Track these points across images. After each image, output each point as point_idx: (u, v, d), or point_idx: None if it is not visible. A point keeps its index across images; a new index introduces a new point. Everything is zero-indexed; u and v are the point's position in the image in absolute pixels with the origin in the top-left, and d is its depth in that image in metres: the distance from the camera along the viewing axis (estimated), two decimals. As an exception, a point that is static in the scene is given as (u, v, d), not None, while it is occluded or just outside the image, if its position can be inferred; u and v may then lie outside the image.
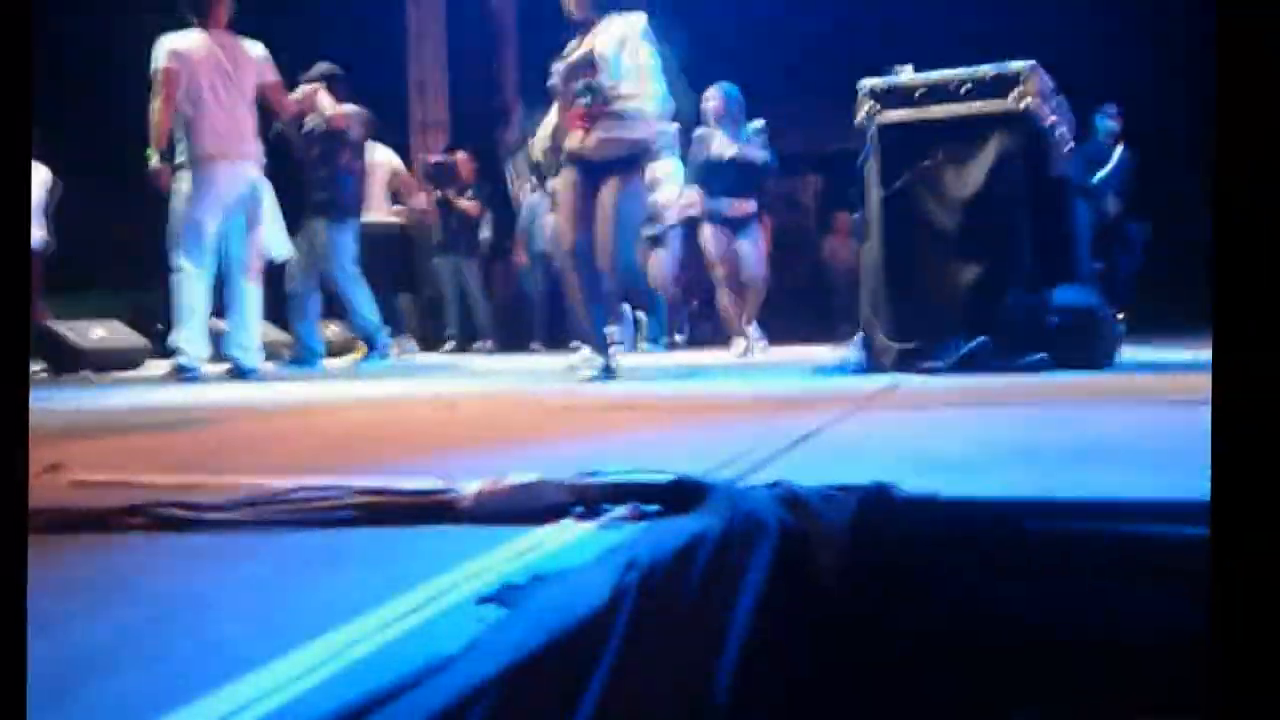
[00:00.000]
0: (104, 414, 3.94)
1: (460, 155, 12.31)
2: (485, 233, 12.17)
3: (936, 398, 3.50)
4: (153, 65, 6.33)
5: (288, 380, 6.31)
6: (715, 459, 1.88)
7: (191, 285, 6.38)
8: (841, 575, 1.42)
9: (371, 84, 8.85)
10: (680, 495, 1.47)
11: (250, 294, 6.70)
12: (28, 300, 1.14)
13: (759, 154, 8.39)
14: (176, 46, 6.37)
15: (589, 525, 1.39)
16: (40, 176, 8.78)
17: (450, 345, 11.96)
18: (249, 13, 6.93)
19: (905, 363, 4.84)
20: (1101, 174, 10.10)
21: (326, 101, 8.11)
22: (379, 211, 9.96)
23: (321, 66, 8.24)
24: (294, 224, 8.02)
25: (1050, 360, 4.69)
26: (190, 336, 6.37)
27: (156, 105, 6.31)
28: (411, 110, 15.09)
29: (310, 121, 8.10)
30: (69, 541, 1.41)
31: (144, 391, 5.48)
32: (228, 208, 6.50)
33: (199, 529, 1.45)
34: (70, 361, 7.83)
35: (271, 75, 6.78)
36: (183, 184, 6.40)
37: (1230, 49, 1.14)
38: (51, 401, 4.59)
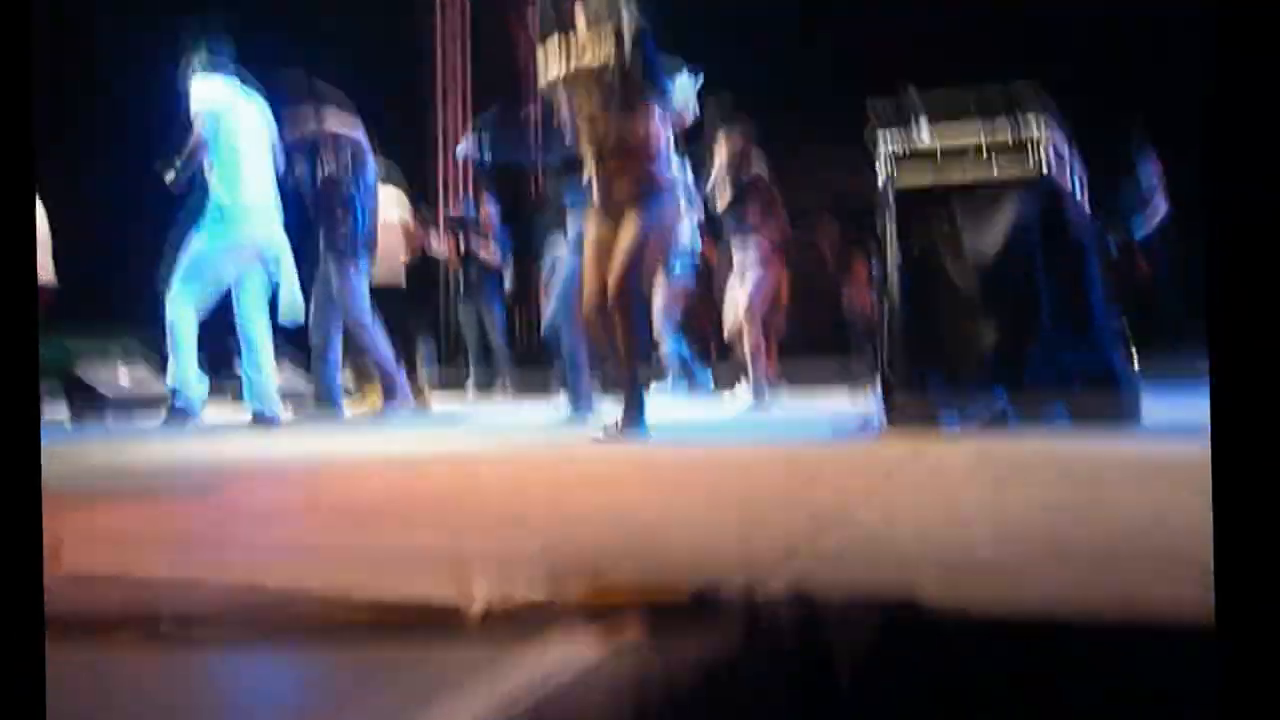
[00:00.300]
0: (114, 472, 3.85)
1: (484, 205, 12.31)
2: (508, 283, 12.16)
3: (962, 468, 3.40)
4: (193, 107, 6.35)
5: (307, 431, 6.25)
6: (733, 555, 1.80)
7: (188, 326, 6.38)
8: (866, 698, 1.33)
9: (396, 134, 8.80)
10: (696, 611, 1.38)
11: (266, 341, 6.71)
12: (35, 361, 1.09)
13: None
14: (214, 94, 6.40)
15: (599, 648, 1.30)
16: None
17: (470, 391, 11.91)
18: (274, 62, 6.93)
19: (925, 421, 4.75)
20: (1142, 225, 10.03)
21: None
22: (390, 261, 9.83)
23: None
24: (309, 269, 8.01)
25: (1072, 417, 4.60)
26: (187, 376, 6.38)
27: (197, 143, 6.33)
28: (436, 161, 15.13)
29: (326, 163, 8.04)
30: (59, 652, 1.33)
31: (160, 443, 5.39)
32: (247, 256, 6.52)
33: (193, 641, 1.37)
34: (94, 407, 7.77)
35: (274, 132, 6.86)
36: (212, 227, 6.39)
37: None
38: (63, 457, 4.51)
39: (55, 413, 8.03)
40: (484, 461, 4.28)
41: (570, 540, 2.09)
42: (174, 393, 6.36)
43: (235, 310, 6.63)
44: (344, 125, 7.88)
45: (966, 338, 4.75)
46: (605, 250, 5.09)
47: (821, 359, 12.38)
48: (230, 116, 6.41)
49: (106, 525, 2.51)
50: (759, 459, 4.07)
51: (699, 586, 1.47)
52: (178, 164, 6.32)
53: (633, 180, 5.08)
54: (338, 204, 7.94)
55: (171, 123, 6.42)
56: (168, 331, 6.39)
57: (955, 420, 4.68)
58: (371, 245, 8.24)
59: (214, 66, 6.49)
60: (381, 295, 9.12)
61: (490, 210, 12.13)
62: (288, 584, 1.62)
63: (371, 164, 8.25)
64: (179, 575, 1.77)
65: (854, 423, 5.15)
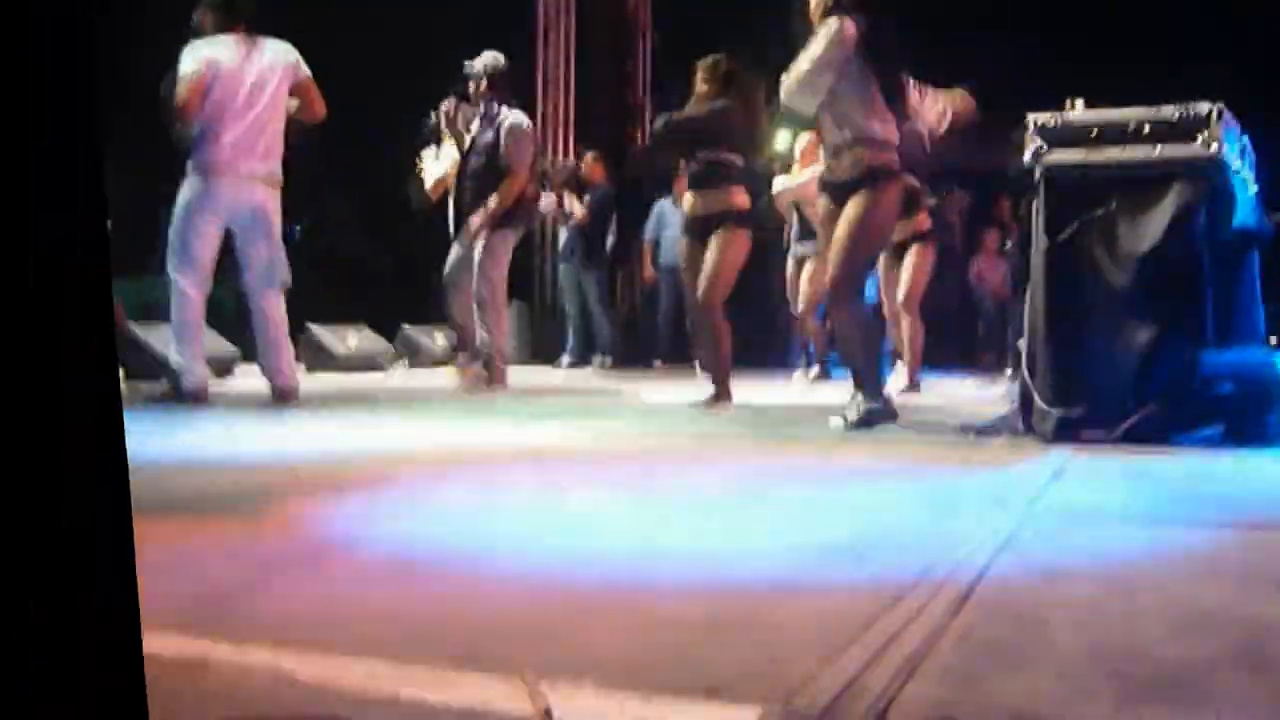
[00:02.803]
0: (155, 470, 3.66)
1: (588, 155, 12.08)
2: (609, 241, 11.93)
3: (1111, 498, 3.17)
4: (181, 69, 6.10)
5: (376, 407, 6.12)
6: (838, 635, 1.60)
7: (185, 301, 6.15)
8: None
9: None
10: None
11: (271, 315, 6.42)
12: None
13: None
14: (209, 54, 6.15)
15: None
16: None
17: (567, 360, 11.76)
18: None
19: (1065, 430, 4.48)
20: None
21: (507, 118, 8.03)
22: None
23: (489, 61, 8.14)
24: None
25: (1226, 435, 4.33)
26: (189, 356, 6.16)
27: (184, 114, 6.11)
28: (538, 105, 14.94)
29: (475, 129, 8.02)
30: None
31: (222, 423, 5.27)
32: (230, 223, 6.27)
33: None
34: (154, 370, 7.69)
35: (303, 72, 6.45)
36: (185, 192, 6.17)
37: None
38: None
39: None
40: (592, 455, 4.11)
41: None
42: (180, 372, 6.13)
43: (241, 283, 6.45)
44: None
45: (1117, 342, 4.45)
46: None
47: (947, 336, 12.09)
48: (230, 80, 6.17)
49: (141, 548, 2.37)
50: (872, 469, 3.86)
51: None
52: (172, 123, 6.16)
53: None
54: (484, 171, 7.91)
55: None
56: (173, 310, 6.20)
57: (1098, 431, 4.42)
58: (524, 218, 8.20)
59: (222, 23, 6.25)
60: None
61: (595, 163, 11.91)
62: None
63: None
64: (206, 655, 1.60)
65: (989, 424, 4.92)
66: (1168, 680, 1.44)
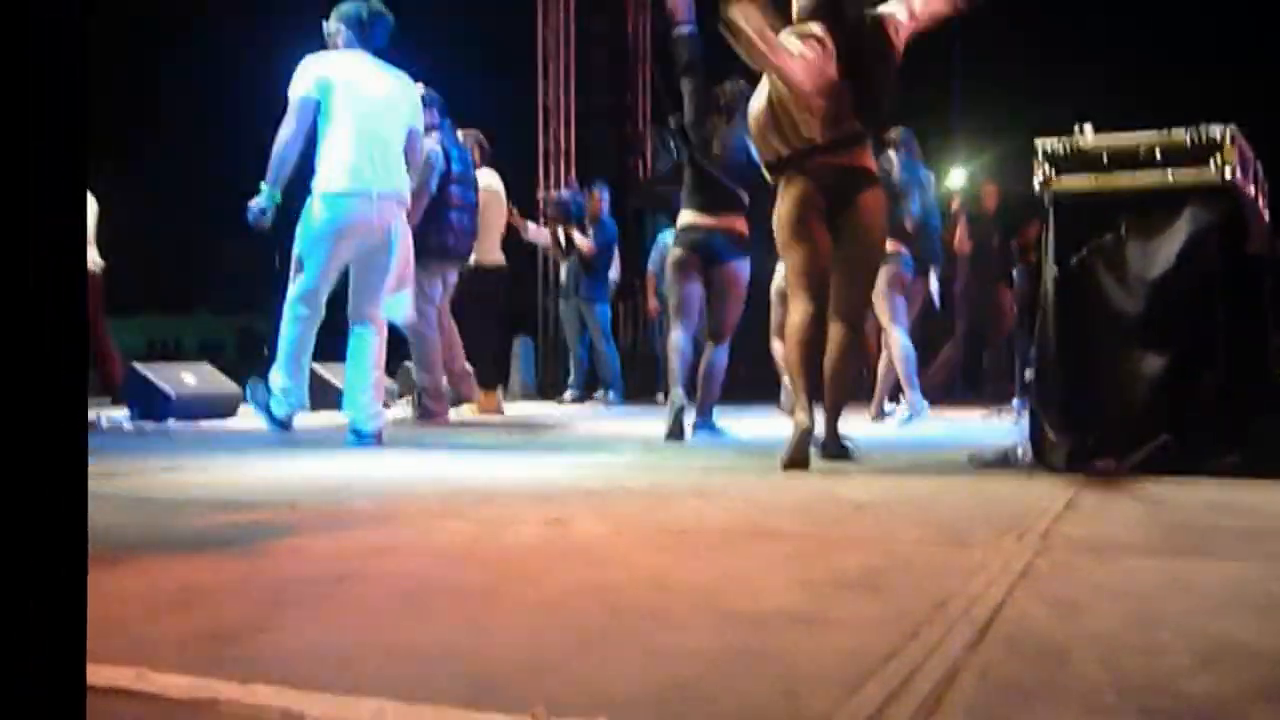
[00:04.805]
0: (158, 507, 3.65)
1: (593, 190, 12.06)
2: (612, 274, 11.90)
3: (1127, 529, 3.13)
4: (294, 90, 5.91)
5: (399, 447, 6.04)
6: (855, 669, 1.57)
7: (299, 326, 6.02)
8: None
9: (497, 109, 8.72)
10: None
11: (371, 344, 6.09)
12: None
13: None
14: (327, 72, 5.95)
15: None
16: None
17: (570, 395, 11.72)
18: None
19: (1076, 460, 4.45)
20: None
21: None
22: (492, 249, 9.65)
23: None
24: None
25: (1246, 464, 4.28)
26: (288, 384, 6.07)
27: (288, 133, 5.88)
28: (539, 138, 14.97)
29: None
30: None
31: (223, 460, 5.25)
32: (356, 248, 6.02)
33: None
34: (158, 409, 7.69)
35: (420, 118, 6.42)
36: (314, 218, 5.94)
37: None
38: (109, 477, 4.39)
39: (110, 410, 8.01)
40: (592, 499, 4.07)
41: (670, 643, 1.87)
42: (283, 394, 6.05)
43: (345, 308, 6.19)
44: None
45: (1129, 370, 4.42)
46: None
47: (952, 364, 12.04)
48: (352, 97, 5.96)
49: (135, 590, 2.34)
50: (884, 500, 3.82)
51: None
52: (273, 180, 5.91)
53: None
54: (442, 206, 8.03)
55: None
56: (281, 334, 6.04)
57: (1111, 461, 4.38)
58: (459, 254, 8.28)
59: (363, 38, 6.14)
60: (481, 277, 9.06)
61: (600, 195, 11.88)
62: None
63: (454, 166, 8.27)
64: (201, 694, 1.57)
65: (996, 457, 4.87)
66: (1197, 715, 1.41)
